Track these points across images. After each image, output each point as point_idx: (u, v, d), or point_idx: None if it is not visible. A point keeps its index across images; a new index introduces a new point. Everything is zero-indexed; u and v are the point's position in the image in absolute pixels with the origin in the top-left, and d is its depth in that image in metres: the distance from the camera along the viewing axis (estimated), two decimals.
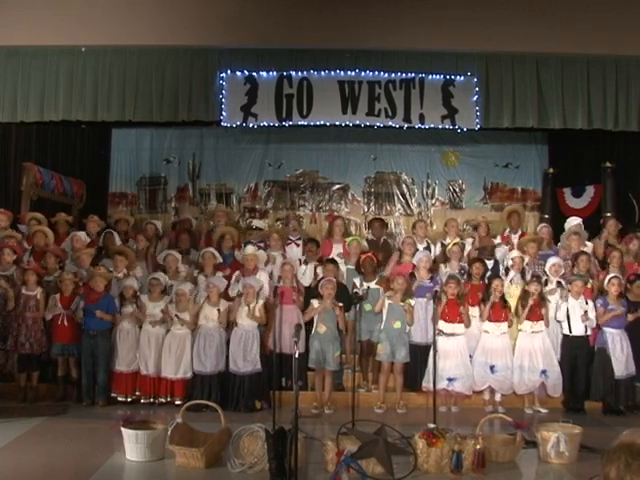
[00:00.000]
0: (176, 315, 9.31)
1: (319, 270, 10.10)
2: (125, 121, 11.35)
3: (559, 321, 9.47)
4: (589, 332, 9.37)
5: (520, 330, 9.43)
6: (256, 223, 11.98)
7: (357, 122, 11.01)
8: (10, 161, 12.21)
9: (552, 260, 9.94)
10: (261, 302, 9.28)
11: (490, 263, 10.21)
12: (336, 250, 10.67)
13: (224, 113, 10.91)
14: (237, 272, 9.87)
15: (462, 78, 10.81)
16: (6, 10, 10.63)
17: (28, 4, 10.62)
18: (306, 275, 10.22)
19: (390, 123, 10.89)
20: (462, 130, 11.13)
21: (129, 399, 9.34)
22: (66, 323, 9.39)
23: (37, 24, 10.55)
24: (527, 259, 10.18)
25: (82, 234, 10.76)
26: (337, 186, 15.06)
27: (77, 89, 10.96)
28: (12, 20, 10.61)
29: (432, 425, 7.10)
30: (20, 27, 10.59)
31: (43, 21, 10.56)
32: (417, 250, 10.24)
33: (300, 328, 6.95)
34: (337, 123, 11.03)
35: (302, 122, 10.98)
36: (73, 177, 13.52)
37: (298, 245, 10.95)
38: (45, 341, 9.48)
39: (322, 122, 11.06)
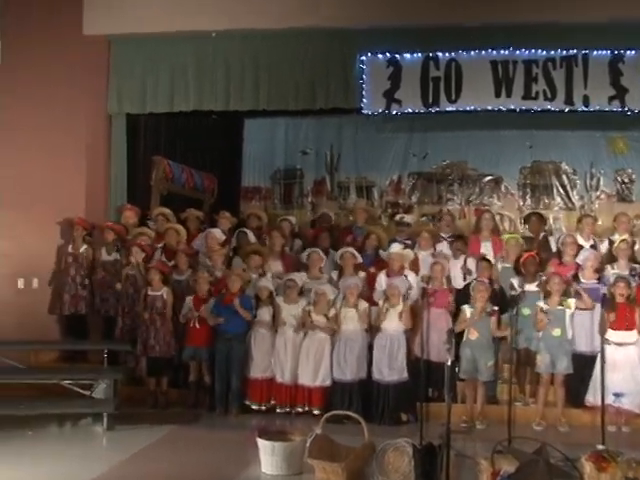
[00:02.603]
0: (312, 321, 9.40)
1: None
2: (258, 110, 11.54)
3: None
4: None
5: None
6: (406, 218, 11.77)
7: (512, 106, 10.87)
8: (139, 155, 12.50)
9: None
10: (408, 305, 9.22)
11: None
12: (484, 248, 10.46)
13: (365, 100, 10.97)
14: (381, 274, 9.81)
15: (633, 53, 10.46)
16: None
17: None
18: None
19: (549, 107, 10.70)
20: (632, 112, 10.73)
21: (264, 407, 9.46)
22: (198, 325, 9.58)
23: (164, 9, 10.86)
24: None
25: (217, 231, 10.85)
26: (488, 178, 14.71)
27: (208, 77, 11.25)
28: (138, 6, 10.96)
29: (601, 446, 6.84)
30: (146, 13, 10.93)
31: (170, 6, 10.85)
32: (580, 249, 9.91)
33: (452, 333, 6.83)
34: (489, 108, 10.91)
35: (450, 108, 10.93)
36: (204, 171, 13.81)
37: (450, 243, 10.74)
38: (174, 344, 9.70)
39: (472, 107, 10.98)
